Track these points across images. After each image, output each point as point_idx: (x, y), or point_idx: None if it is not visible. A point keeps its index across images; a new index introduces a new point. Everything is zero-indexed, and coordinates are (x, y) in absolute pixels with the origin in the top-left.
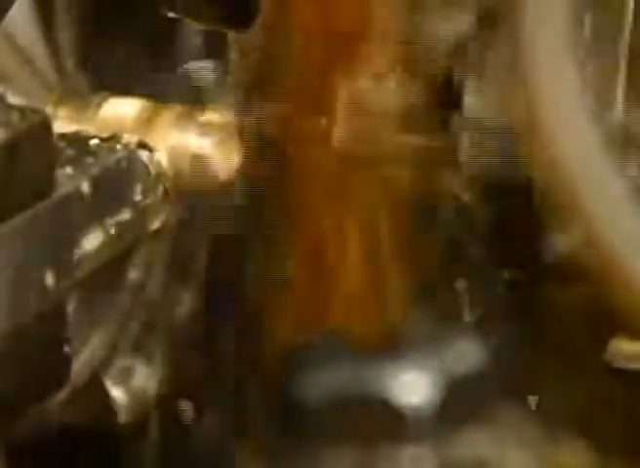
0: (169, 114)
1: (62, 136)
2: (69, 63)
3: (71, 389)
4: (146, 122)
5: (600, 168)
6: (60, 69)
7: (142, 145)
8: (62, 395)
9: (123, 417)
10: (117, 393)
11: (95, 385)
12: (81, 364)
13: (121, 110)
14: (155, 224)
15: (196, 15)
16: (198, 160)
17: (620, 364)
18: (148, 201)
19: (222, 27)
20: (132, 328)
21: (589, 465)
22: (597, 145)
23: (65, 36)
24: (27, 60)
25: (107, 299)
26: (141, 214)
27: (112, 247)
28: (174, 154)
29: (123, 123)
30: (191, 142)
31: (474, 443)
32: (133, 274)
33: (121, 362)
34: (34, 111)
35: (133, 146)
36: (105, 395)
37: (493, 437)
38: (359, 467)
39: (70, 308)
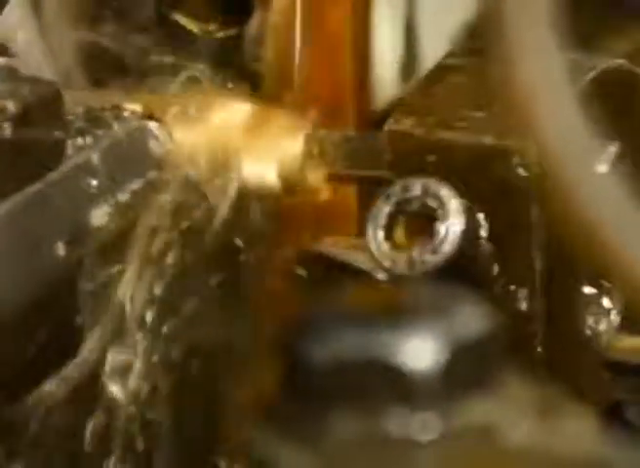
0: (277, 119)
1: (73, 107)
2: (66, 61)
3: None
4: (257, 128)
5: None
6: (56, 68)
7: (151, 117)
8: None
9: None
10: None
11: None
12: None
13: (230, 115)
14: (165, 197)
15: (193, 12)
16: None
17: (619, 358)
18: (158, 173)
19: (218, 25)
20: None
21: (594, 432)
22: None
23: (61, 34)
24: (23, 58)
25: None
26: (151, 186)
27: (122, 218)
28: (285, 161)
29: (232, 128)
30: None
31: (481, 409)
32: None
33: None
34: (45, 83)
35: (142, 118)
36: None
37: (500, 404)
38: (366, 432)
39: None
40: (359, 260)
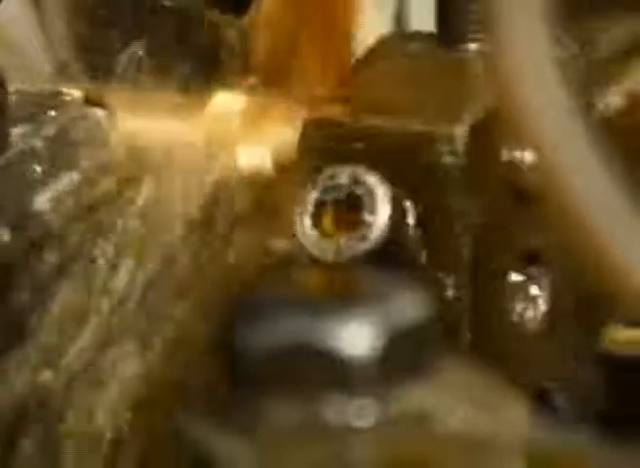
0: (276, 109)
1: (17, 93)
2: (65, 54)
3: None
4: (255, 118)
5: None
6: (54, 61)
7: (96, 103)
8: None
9: None
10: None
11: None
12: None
13: (228, 106)
14: (111, 184)
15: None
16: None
17: (617, 349)
18: (104, 159)
19: (218, 12)
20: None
21: (526, 417)
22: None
23: (60, 26)
24: (20, 53)
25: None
26: (97, 172)
27: (69, 205)
28: (280, 150)
29: (230, 119)
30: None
31: (418, 395)
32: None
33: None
34: None
35: (87, 104)
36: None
37: (436, 390)
38: (302, 419)
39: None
40: (286, 248)
